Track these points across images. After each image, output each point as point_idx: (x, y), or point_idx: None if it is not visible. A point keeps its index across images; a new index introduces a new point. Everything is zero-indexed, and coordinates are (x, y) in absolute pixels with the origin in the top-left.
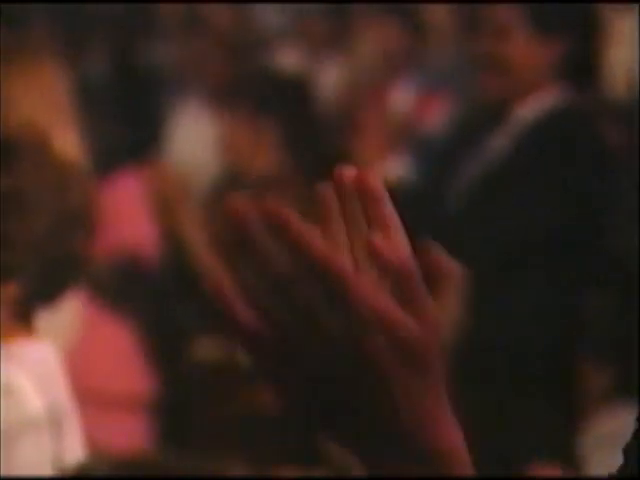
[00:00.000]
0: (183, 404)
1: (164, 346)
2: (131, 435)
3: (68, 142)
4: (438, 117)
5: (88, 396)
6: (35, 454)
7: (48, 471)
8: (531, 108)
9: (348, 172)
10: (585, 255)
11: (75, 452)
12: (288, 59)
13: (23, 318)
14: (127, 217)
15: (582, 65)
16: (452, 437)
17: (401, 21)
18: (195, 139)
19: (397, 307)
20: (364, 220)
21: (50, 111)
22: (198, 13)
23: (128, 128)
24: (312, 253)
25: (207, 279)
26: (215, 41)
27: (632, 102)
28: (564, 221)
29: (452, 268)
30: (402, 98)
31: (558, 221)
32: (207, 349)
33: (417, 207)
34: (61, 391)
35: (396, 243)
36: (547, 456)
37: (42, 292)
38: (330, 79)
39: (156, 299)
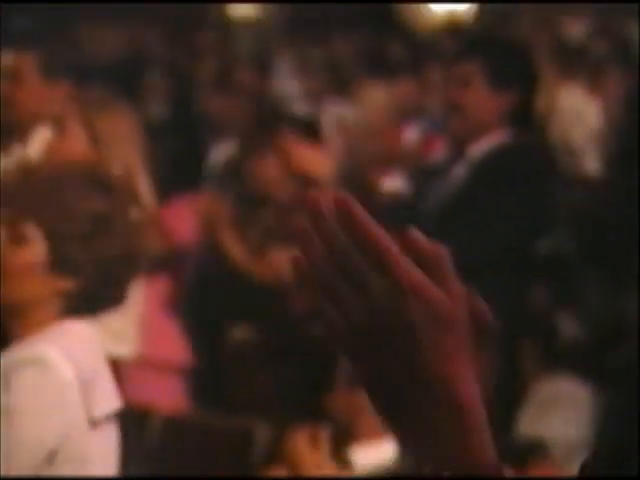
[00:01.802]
0: (219, 373)
1: (208, 328)
2: (176, 396)
3: (141, 177)
4: (439, 153)
5: (144, 363)
6: (69, 410)
7: (83, 423)
8: (483, 145)
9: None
10: (525, 259)
11: (108, 405)
12: (300, 108)
13: (80, 312)
14: (180, 233)
15: (525, 114)
16: (473, 390)
17: (410, 79)
18: (229, 174)
19: (430, 282)
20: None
21: (134, 154)
22: (229, 74)
23: (179, 163)
24: (370, 234)
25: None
26: (242, 95)
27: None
28: (508, 232)
29: (441, 252)
30: (410, 138)
31: (503, 232)
32: (241, 331)
33: (404, 214)
34: (93, 358)
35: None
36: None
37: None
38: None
39: (202, 292)
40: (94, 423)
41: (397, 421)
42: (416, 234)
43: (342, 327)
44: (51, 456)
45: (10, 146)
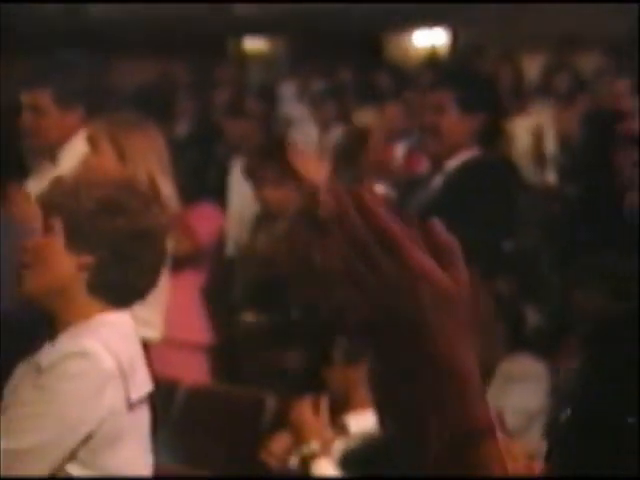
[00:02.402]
0: (234, 352)
1: (225, 313)
2: (197, 371)
3: (166, 186)
4: (422, 168)
5: (169, 343)
6: (110, 397)
7: (122, 407)
8: (456, 161)
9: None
10: (490, 257)
11: (144, 388)
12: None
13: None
14: (200, 233)
15: (491, 134)
16: (472, 364)
17: (396, 105)
18: (243, 186)
19: (439, 268)
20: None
21: (156, 165)
22: (242, 101)
23: (199, 174)
24: (384, 224)
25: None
26: (252, 118)
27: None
28: (478, 233)
29: (453, 242)
30: (397, 155)
31: (474, 233)
32: (252, 315)
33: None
34: (131, 347)
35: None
36: None
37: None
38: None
39: (217, 281)
40: (130, 406)
41: (403, 388)
42: (437, 224)
43: (359, 303)
44: (87, 438)
45: (41, 165)
